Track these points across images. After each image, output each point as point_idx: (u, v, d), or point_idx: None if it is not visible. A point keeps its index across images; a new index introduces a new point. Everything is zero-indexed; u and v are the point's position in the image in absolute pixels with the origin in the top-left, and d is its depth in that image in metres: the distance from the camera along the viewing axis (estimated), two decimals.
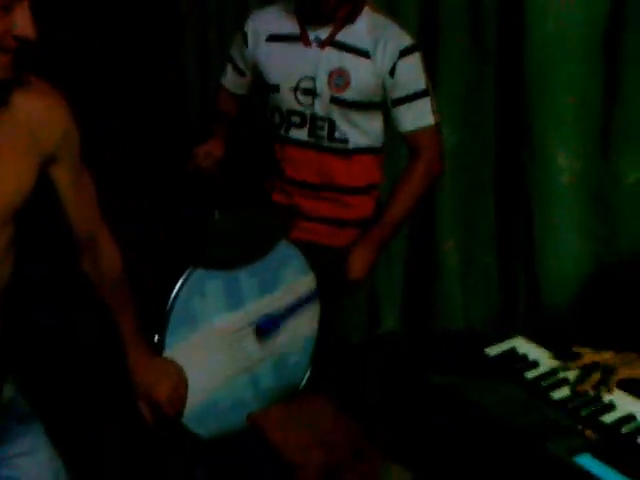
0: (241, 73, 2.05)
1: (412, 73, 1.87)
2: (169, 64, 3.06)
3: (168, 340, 1.66)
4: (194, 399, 1.68)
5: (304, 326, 1.94)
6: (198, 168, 2.01)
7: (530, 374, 1.45)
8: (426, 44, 2.18)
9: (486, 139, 2.24)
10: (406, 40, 1.87)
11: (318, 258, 1.93)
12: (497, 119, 2.21)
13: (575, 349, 1.43)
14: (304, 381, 1.95)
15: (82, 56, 2.78)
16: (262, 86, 1.99)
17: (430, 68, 1.95)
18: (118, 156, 2.68)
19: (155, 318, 1.67)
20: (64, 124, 1.28)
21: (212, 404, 1.75)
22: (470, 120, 2.26)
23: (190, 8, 3.19)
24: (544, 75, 2.01)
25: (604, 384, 1.36)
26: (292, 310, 1.87)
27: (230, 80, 2.09)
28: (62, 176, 1.33)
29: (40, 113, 1.22)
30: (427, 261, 2.41)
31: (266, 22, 1.95)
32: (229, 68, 2.07)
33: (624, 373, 1.35)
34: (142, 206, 2.53)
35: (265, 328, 1.82)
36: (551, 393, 1.41)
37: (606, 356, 1.39)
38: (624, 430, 1.30)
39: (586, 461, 1.11)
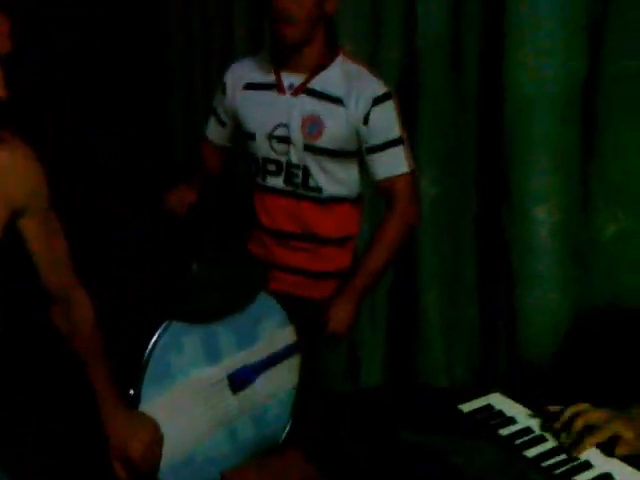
0: (222, 123, 2.08)
1: (385, 121, 1.88)
2: (156, 110, 3.09)
3: (144, 394, 1.65)
4: (170, 453, 1.67)
5: (284, 378, 1.93)
6: (170, 214, 2.02)
7: (504, 431, 1.44)
8: (406, 89, 2.23)
9: (466, 191, 2.26)
10: (380, 88, 1.88)
11: (297, 310, 1.92)
12: (477, 172, 2.23)
13: (551, 408, 1.41)
14: (284, 434, 1.93)
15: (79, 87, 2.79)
16: (241, 135, 2.02)
17: (410, 116, 1.96)
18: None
19: (130, 372, 1.65)
20: (34, 178, 1.30)
21: (189, 459, 1.73)
22: (450, 172, 2.27)
23: (178, 57, 3.24)
24: (522, 130, 2.03)
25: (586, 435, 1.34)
26: (269, 362, 1.86)
27: (212, 131, 2.12)
28: (31, 229, 1.34)
29: (10, 167, 1.24)
30: (409, 314, 2.40)
31: (244, 71, 1.98)
32: (212, 120, 2.10)
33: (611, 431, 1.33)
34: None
35: (238, 380, 1.80)
36: (525, 451, 1.39)
37: (582, 407, 1.38)
38: None
39: None
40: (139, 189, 2.69)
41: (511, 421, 1.47)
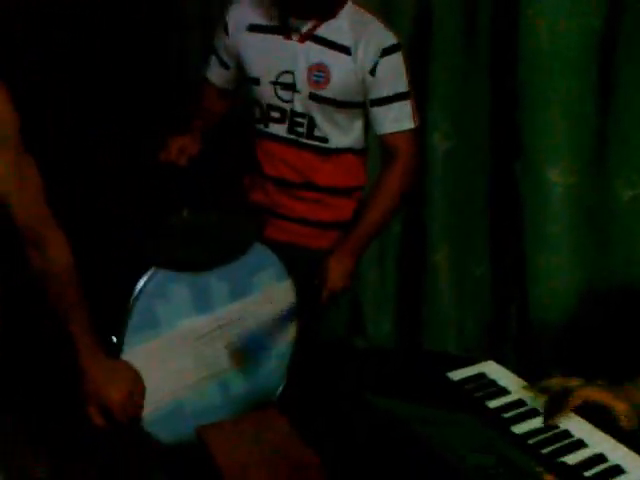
0: (224, 65, 1.99)
1: (393, 73, 1.82)
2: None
3: (127, 342, 1.61)
4: (156, 403, 1.64)
5: (280, 332, 1.87)
6: (169, 162, 1.94)
7: (493, 403, 1.34)
8: (420, 42, 2.15)
9: (479, 147, 2.19)
10: (389, 39, 1.81)
11: (297, 262, 1.86)
12: (492, 128, 2.16)
13: (544, 382, 1.31)
14: (279, 390, 1.87)
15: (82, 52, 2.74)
16: (243, 78, 1.94)
17: (423, 69, 1.87)
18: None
19: (114, 319, 1.61)
20: None
21: (176, 409, 1.70)
22: (464, 127, 2.21)
23: None
24: (537, 88, 1.97)
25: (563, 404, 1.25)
26: (270, 329, 1.82)
27: (214, 73, 2.03)
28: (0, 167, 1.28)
29: None
30: (419, 270, 2.31)
31: (247, 11, 1.90)
32: (213, 60, 2.01)
33: (583, 394, 1.24)
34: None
35: (242, 352, 1.77)
36: (513, 426, 1.29)
37: (575, 382, 1.28)
38: (588, 474, 1.18)
39: None
40: (132, 132, 2.63)
41: (503, 392, 1.38)
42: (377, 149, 1.98)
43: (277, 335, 1.85)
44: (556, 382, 1.31)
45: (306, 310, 1.87)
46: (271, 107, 1.89)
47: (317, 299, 1.88)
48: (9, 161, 1.29)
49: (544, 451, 1.23)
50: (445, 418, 1.23)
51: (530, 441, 1.25)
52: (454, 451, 1.12)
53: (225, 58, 1.98)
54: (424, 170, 2.01)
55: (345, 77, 1.81)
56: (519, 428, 1.28)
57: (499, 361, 1.48)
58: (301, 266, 1.87)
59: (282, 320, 1.85)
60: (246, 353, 1.80)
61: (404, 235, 2.35)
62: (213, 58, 2.01)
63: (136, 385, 1.58)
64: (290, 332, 1.89)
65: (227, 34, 1.93)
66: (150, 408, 1.63)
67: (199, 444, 1.44)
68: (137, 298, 1.62)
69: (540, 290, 1.98)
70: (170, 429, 1.67)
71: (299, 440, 1.37)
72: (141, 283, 1.63)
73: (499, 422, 1.29)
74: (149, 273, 1.64)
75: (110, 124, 2.67)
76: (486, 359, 1.49)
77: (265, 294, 1.83)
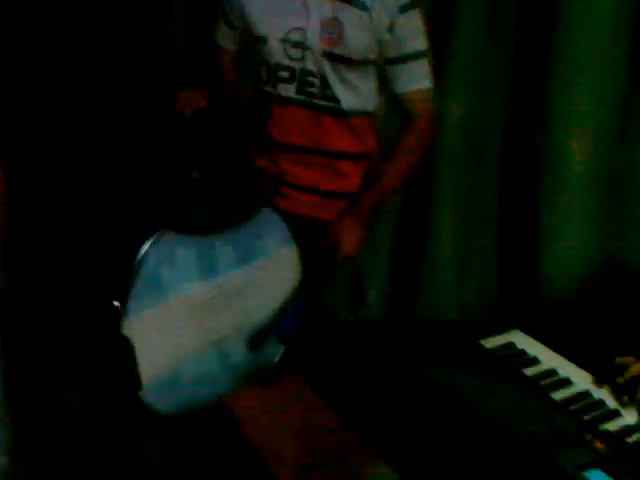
0: (232, 26, 1.91)
1: (412, 31, 1.78)
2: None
3: (131, 306, 1.54)
4: (154, 371, 1.58)
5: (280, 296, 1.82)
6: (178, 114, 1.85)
7: (529, 371, 1.35)
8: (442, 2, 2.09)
9: (495, 115, 2.15)
10: None
11: (304, 231, 1.81)
12: (509, 94, 2.13)
13: (618, 360, 1.32)
14: (277, 357, 1.83)
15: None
16: (249, 38, 1.87)
17: (443, 32, 1.82)
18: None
19: (118, 283, 1.53)
20: None
21: (175, 377, 1.64)
22: (479, 92, 2.16)
23: None
24: (566, 54, 1.95)
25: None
26: (281, 315, 1.76)
27: (223, 36, 1.96)
28: None
29: None
30: (418, 240, 2.28)
31: None
32: (222, 23, 1.95)
33: None
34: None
35: (258, 340, 1.73)
36: (551, 393, 1.30)
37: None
38: (630, 440, 1.20)
39: (597, 478, 1.00)
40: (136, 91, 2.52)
41: (535, 361, 1.39)
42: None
43: (285, 306, 1.79)
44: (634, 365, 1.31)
45: (311, 281, 1.83)
46: (279, 66, 1.81)
47: (327, 266, 1.83)
48: None
49: (585, 417, 1.24)
50: (492, 387, 1.23)
51: (570, 407, 1.26)
52: (510, 420, 1.12)
53: (232, 18, 1.90)
54: (435, 135, 1.96)
55: (360, 34, 1.75)
56: (557, 395, 1.29)
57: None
58: (309, 237, 1.81)
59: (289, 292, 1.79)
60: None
61: (404, 201, 2.31)
62: (222, 21, 1.93)
63: None
64: (290, 299, 1.85)
65: None
66: (149, 377, 1.57)
67: (221, 411, 1.39)
68: (142, 262, 1.56)
69: (554, 261, 1.98)
70: (169, 399, 1.62)
71: (327, 409, 1.34)
72: (147, 246, 1.56)
73: (539, 389, 1.29)
74: (155, 236, 1.57)
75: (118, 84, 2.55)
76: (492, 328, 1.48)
77: (271, 260, 1.79)
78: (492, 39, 2.11)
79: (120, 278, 1.54)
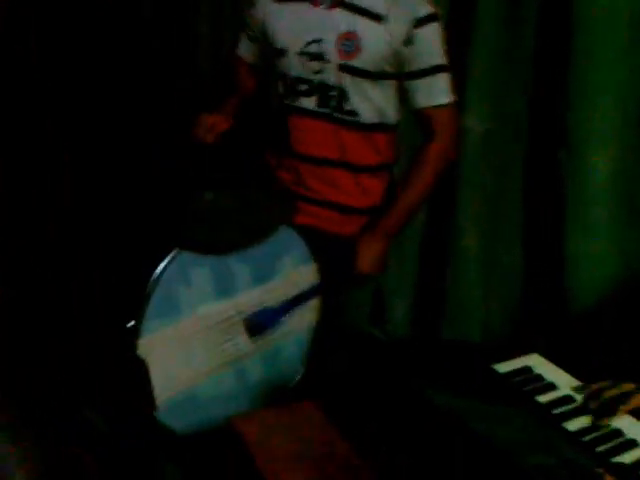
0: (253, 39, 1.94)
1: (429, 45, 1.75)
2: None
3: (146, 326, 1.55)
4: (170, 391, 1.59)
5: (303, 317, 1.83)
6: (198, 140, 1.87)
7: (543, 398, 1.30)
8: (459, 16, 2.08)
9: (518, 130, 2.13)
10: (425, 8, 1.74)
11: (323, 246, 1.81)
12: (531, 110, 2.09)
13: (595, 385, 1.27)
14: (297, 378, 1.82)
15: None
16: (269, 51, 1.87)
17: (461, 46, 1.79)
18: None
19: (133, 302, 1.54)
20: None
21: (190, 397, 1.65)
22: (501, 108, 2.14)
23: None
24: (587, 69, 1.92)
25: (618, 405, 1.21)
26: (290, 306, 1.75)
27: (244, 48, 1.98)
28: None
29: None
30: (443, 256, 2.25)
31: None
32: (243, 35, 1.98)
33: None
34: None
35: (256, 324, 1.71)
36: (564, 423, 1.25)
37: (628, 387, 1.24)
38: None
39: None
40: (158, 110, 2.54)
41: (551, 387, 1.34)
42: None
43: (298, 314, 1.78)
44: (607, 388, 1.26)
45: (329, 296, 1.81)
46: (298, 80, 1.81)
47: (344, 285, 1.82)
48: None
49: (599, 450, 1.19)
50: (500, 414, 1.19)
51: (584, 439, 1.21)
52: (515, 450, 1.08)
53: (254, 31, 1.92)
54: (458, 152, 1.93)
55: (377, 47, 1.74)
56: (571, 425, 1.24)
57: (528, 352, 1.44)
58: (327, 252, 1.81)
59: (302, 301, 1.78)
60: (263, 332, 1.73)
61: (429, 218, 2.28)
62: (244, 34, 1.96)
63: None
64: (312, 315, 1.84)
65: (255, 6, 1.87)
66: (164, 397, 1.58)
67: (230, 434, 1.39)
68: (158, 282, 1.57)
69: (578, 277, 1.95)
70: (184, 419, 1.63)
71: (338, 435, 1.32)
72: (162, 266, 1.57)
73: (551, 418, 1.25)
74: (171, 255, 1.58)
75: (140, 103, 2.59)
76: (513, 350, 1.44)
77: (288, 278, 1.78)
78: (511, 52, 2.08)
79: (135, 298, 1.56)
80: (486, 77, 2.13)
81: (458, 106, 1.84)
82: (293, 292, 1.77)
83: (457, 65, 1.83)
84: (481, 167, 2.17)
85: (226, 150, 1.86)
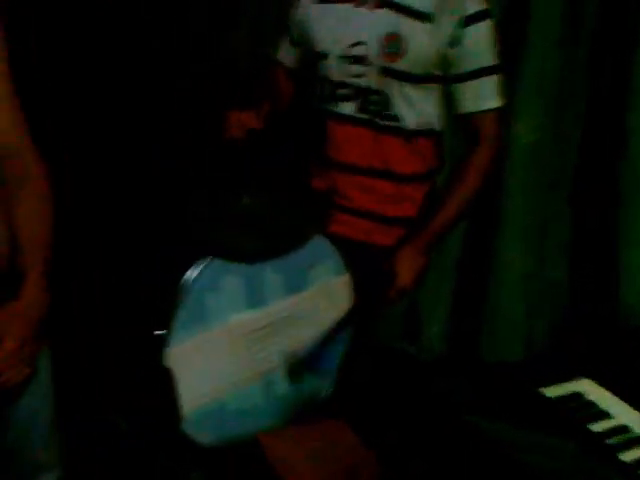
0: (295, 43, 1.89)
1: (480, 44, 1.67)
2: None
3: (174, 335, 1.51)
4: (197, 402, 1.55)
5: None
6: (229, 137, 1.81)
7: (597, 427, 1.22)
8: (514, 21, 2.00)
9: (569, 141, 2.06)
10: (476, 4, 1.66)
11: (358, 258, 1.74)
12: (586, 123, 2.03)
13: None
14: (326, 392, 1.76)
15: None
16: (310, 54, 1.82)
17: (515, 51, 1.72)
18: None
19: (162, 311, 1.49)
20: None
21: (217, 409, 1.60)
22: (553, 119, 2.07)
23: None
24: None
25: None
26: (330, 339, 1.71)
27: (285, 53, 1.93)
28: None
29: None
30: (484, 270, 2.17)
31: None
32: (285, 39, 1.92)
33: None
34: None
35: (299, 368, 1.68)
36: (620, 454, 1.16)
37: None
38: None
39: None
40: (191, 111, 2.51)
41: (604, 416, 1.26)
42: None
43: (330, 336, 1.72)
44: None
45: (364, 311, 1.75)
46: (340, 84, 1.75)
47: (379, 299, 1.75)
48: None
49: None
50: (551, 444, 1.11)
51: None
52: None
53: (295, 35, 1.87)
54: (503, 162, 1.86)
55: (423, 48, 1.67)
56: (627, 456, 1.16)
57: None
58: (362, 263, 1.74)
59: (336, 320, 1.72)
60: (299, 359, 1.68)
61: (468, 229, 2.20)
62: (286, 38, 1.90)
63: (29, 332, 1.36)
64: (344, 332, 1.77)
65: (297, 7, 1.81)
66: (191, 408, 1.53)
67: (257, 451, 1.33)
68: (188, 289, 1.52)
69: (632, 294, 1.85)
70: (210, 430, 1.58)
71: (368, 456, 1.25)
72: (193, 273, 1.52)
73: (605, 448, 1.16)
74: (202, 263, 1.53)
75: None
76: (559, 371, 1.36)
77: (321, 289, 1.73)
78: (567, 56, 2.00)
79: (165, 306, 1.51)
80: (539, 86, 2.06)
81: (506, 111, 1.76)
82: (326, 304, 1.72)
83: (510, 65, 1.75)
84: (528, 178, 2.10)
85: (261, 155, 1.81)
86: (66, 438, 1.55)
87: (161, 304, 1.52)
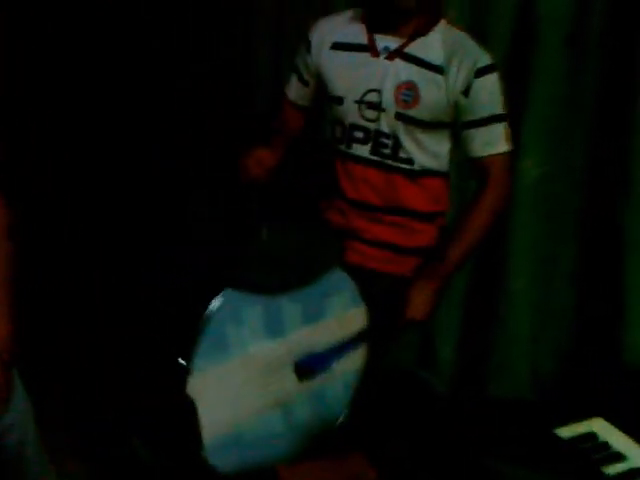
0: (305, 83, 1.94)
1: (488, 95, 1.74)
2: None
3: (196, 365, 1.53)
4: (217, 430, 1.57)
5: (350, 360, 1.79)
6: (246, 177, 1.85)
7: (612, 469, 1.23)
8: (517, 61, 2.05)
9: (575, 174, 2.09)
10: (484, 58, 1.74)
11: (372, 286, 1.79)
12: (589, 158, 2.06)
13: None
14: (341, 419, 1.78)
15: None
16: (325, 97, 1.87)
17: (519, 95, 1.75)
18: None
19: (184, 341, 1.51)
20: None
21: (237, 437, 1.63)
22: (558, 155, 2.10)
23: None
24: None
25: None
26: (339, 351, 1.73)
27: (294, 91, 1.97)
28: None
29: None
30: (491, 298, 2.19)
31: (332, 30, 1.84)
32: (293, 78, 1.96)
33: None
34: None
35: (307, 369, 1.69)
36: None
37: None
38: None
39: None
40: (212, 145, 2.52)
41: (619, 457, 1.27)
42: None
43: (346, 361, 1.75)
44: None
45: (378, 338, 1.77)
46: (354, 127, 1.81)
47: (392, 328, 1.78)
48: None
49: None
50: None
51: None
52: None
53: (306, 76, 1.91)
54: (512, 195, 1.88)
55: (435, 97, 1.74)
56: None
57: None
58: (375, 292, 1.79)
59: (352, 346, 1.74)
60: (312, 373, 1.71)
61: (477, 259, 2.23)
62: (294, 76, 1.94)
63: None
64: (358, 356, 1.80)
65: (309, 52, 1.86)
66: (211, 436, 1.55)
67: None
68: (209, 320, 1.55)
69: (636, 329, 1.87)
70: (230, 458, 1.61)
71: None
72: (214, 305, 1.55)
73: None
74: (223, 294, 1.56)
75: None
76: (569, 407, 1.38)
77: (338, 319, 1.76)
78: (572, 99, 2.04)
79: (186, 336, 1.53)
80: (544, 125, 2.09)
81: (514, 149, 1.81)
82: (342, 334, 1.75)
83: (515, 108, 1.79)
84: (535, 210, 2.13)
85: (276, 191, 1.84)
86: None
87: (183, 335, 1.55)
